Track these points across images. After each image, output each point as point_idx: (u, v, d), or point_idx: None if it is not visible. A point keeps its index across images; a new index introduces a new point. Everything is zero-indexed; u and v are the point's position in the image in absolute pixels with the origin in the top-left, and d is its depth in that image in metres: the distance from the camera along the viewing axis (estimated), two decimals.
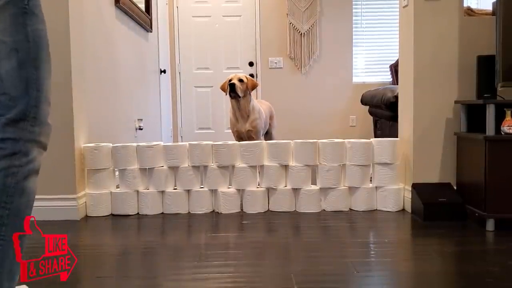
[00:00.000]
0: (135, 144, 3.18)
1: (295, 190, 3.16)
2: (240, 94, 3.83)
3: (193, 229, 2.86)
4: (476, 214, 2.71)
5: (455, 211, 2.85)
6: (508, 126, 2.63)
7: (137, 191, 3.15)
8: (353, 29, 6.34)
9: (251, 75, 6.30)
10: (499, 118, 2.66)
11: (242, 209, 3.15)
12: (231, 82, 3.83)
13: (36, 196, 3.21)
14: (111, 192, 3.14)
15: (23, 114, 1.27)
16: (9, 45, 1.23)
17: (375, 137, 4.81)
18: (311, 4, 6.20)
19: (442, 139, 3.03)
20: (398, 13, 3.30)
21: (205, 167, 3.16)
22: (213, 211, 3.17)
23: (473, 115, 2.91)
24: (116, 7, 3.88)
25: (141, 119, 4.64)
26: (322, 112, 6.29)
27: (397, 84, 3.87)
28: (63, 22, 2.90)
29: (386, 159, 3.12)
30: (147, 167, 3.15)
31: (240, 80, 3.86)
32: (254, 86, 3.94)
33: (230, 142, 3.18)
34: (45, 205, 2.93)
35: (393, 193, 3.12)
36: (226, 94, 3.94)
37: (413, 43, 3.00)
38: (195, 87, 6.44)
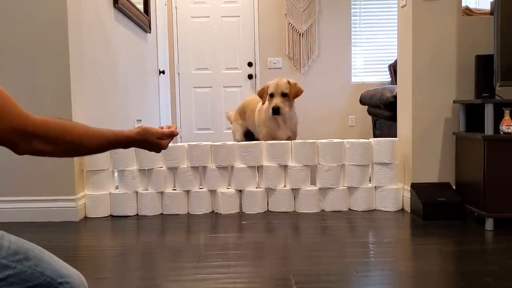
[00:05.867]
0: None
1: (295, 190, 3.16)
2: (285, 112, 3.49)
3: (193, 229, 2.86)
4: (475, 214, 2.71)
5: (454, 211, 2.85)
6: (506, 125, 2.63)
7: (136, 192, 3.14)
8: (352, 29, 6.33)
9: (250, 76, 6.31)
10: (498, 117, 2.66)
11: (241, 210, 3.15)
12: (275, 106, 3.43)
13: (36, 198, 3.20)
14: (110, 193, 3.13)
15: None
16: None
17: (374, 137, 4.81)
18: (309, 4, 6.20)
19: (441, 138, 3.04)
20: (396, 13, 3.30)
21: (204, 167, 3.16)
22: (213, 211, 3.17)
23: (472, 114, 2.91)
24: (115, 8, 3.88)
25: (140, 120, 4.63)
26: (321, 112, 6.28)
27: (396, 84, 3.87)
28: (61, 23, 2.90)
29: (385, 159, 3.12)
30: (146, 168, 3.15)
31: (284, 95, 3.48)
32: (297, 94, 3.55)
33: (229, 143, 3.18)
34: (44, 207, 2.93)
35: (392, 193, 3.12)
36: (262, 104, 3.63)
37: (412, 43, 3.00)
38: (194, 87, 6.43)
